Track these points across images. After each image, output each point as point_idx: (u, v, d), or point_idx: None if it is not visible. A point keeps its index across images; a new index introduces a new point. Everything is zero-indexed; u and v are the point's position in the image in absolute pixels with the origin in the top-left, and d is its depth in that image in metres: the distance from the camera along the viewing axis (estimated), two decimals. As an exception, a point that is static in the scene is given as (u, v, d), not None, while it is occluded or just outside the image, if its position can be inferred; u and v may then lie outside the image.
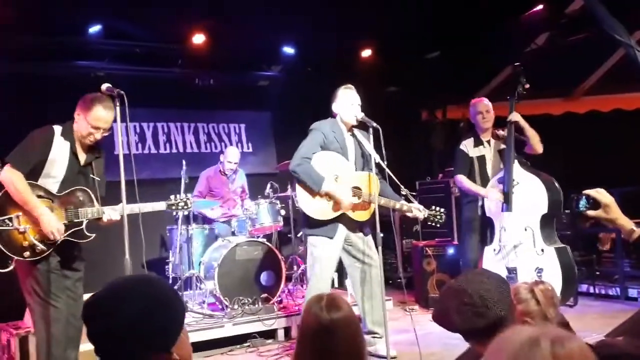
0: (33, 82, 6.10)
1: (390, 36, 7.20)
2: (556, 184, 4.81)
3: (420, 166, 9.13)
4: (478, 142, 5.23)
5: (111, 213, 3.57)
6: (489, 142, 5.23)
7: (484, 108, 5.17)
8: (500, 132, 5.17)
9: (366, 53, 7.76)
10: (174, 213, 3.91)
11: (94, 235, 3.65)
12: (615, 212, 2.26)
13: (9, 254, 3.42)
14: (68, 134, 3.60)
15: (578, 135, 7.51)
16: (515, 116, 4.93)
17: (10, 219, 3.42)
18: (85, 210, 3.57)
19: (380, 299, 4.35)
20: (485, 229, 5.12)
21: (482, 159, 5.22)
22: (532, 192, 4.75)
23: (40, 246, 3.46)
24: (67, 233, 3.53)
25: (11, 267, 3.47)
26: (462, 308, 1.83)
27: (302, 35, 7.17)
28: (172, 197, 3.88)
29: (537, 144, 4.96)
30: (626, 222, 2.26)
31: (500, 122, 5.22)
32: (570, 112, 8.13)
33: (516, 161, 4.87)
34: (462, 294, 1.86)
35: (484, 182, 5.12)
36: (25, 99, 5.92)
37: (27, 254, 3.45)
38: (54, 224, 3.44)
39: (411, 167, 8.79)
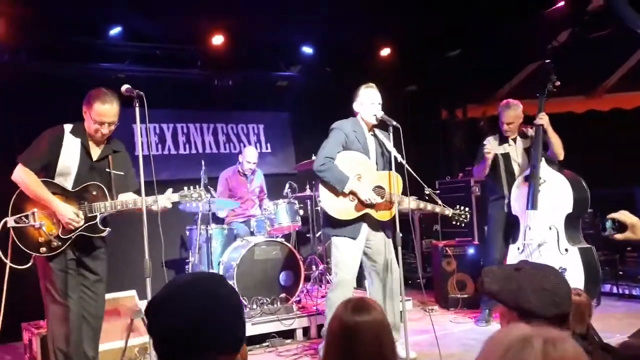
0: (53, 84, 6.17)
1: (409, 34, 7.16)
2: (583, 183, 4.76)
3: (440, 166, 9.07)
4: (503, 140, 5.24)
5: (164, 202, 3.64)
6: (514, 139, 5.21)
7: (506, 119, 5.17)
8: (529, 131, 5.12)
9: (385, 52, 7.72)
10: (194, 206, 3.92)
11: (107, 229, 3.70)
12: None
13: (27, 250, 3.52)
14: (79, 132, 3.68)
15: (601, 133, 7.41)
16: (542, 119, 4.88)
17: (26, 216, 3.52)
18: (98, 204, 3.62)
19: (398, 303, 4.34)
20: (510, 227, 5.09)
21: (507, 156, 5.22)
22: (557, 191, 4.71)
23: (56, 242, 3.54)
24: (82, 227, 3.59)
25: (29, 264, 3.54)
26: (541, 292, 1.81)
27: (320, 34, 7.17)
28: (185, 188, 3.88)
29: (558, 150, 4.93)
30: None
31: (527, 120, 5.18)
32: (593, 110, 8.02)
33: (544, 159, 4.83)
34: (545, 279, 1.83)
35: (510, 178, 5.12)
36: (46, 101, 6.00)
37: (43, 249, 3.54)
38: (70, 212, 3.52)
39: (431, 167, 8.74)
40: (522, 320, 1.85)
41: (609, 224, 2.33)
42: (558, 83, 4.93)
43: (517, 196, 5.01)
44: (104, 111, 3.59)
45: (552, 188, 4.74)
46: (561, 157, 4.95)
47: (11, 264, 3.47)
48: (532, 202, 4.76)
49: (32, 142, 3.65)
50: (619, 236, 2.30)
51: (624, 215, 2.30)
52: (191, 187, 3.91)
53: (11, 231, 3.50)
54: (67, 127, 3.69)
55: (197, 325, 1.41)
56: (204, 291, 1.47)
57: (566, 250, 4.58)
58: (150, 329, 1.50)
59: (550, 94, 4.96)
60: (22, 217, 3.51)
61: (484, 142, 5.30)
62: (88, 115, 3.63)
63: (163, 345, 1.45)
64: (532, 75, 8.11)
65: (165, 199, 3.68)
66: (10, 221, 3.50)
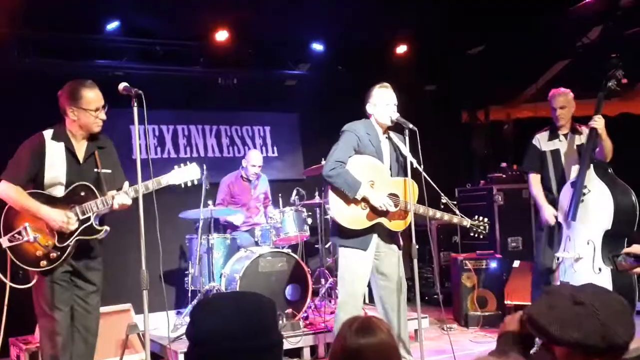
0: (47, 81, 6.20)
1: (428, 31, 7.15)
2: (632, 198, 4.64)
3: (459, 172, 9.03)
4: (553, 136, 5.21)
5: (121, 198, 3.62)
6: (566, 135, 5.18)
7: (557, 104, 5.14)
8: (584, 130, 5.07)
9: (401, 49, 7.72)
10: (189, 184, 3.90)
11: (105, 228, 3.70)
12: None
13: (26, 267, 3.56)
14: (60, 135, 3.69)
15: (636, 138, 7.34)
16: (597, 123, 4.83)
17: (19, 232, 3.54)
18: (89, 204, 3.62)
19: (406, 323, 4.32)
20: (557, 234, 5.07)
21: (556, 153, 5.18)
22: (598, 204, 4.65)
23: (54, 252, 3.56)
24: (78, 232, 3.61)
25: (34, 282, 3.57)
26: (624, 319, 1.77)
27: (331, 30, 7.17)
28: (176, 166, 3.84)
29: (608, 154, 4.90)
30: None
31: (578, 120, 5.16)
32: (626, 113, 7.97)
33: (592, 166, 4.76)
34: (616, 302, 1.80)
35: (559, 178, 5.09)
36: (39, 98, 6.03)
37: (43, 263, 3.57)
38: (60, 215, 3.53)
39: (450, 173, 8.69)
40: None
41: (620, 258, 2.43)
42: (625, 80, 4.85)
43: (562, 202, 4.98)
44: (96, 96, 3.64)
45: (594, 199, 4.68)
46: (608, 159, 4.90)
47: (12, 284, 3.51)
48: (573, 212, 4.72)
49: (13, 156, 3.66)
50: (638, 270, 2.36)
51: (636, 249, 2.41)
52: (181, 165, 3.85)
53: (8, 251, 3.52)
54: (47, 134, 3.70)
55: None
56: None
57: (600, 269, 4.52)
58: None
59: (612, 93, 4.89)
60: (15, 235, 3.54)
61: (532, 141, 5.29)
62: (80, 111, 3.63)
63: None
64: (559, 75, 8.08)
65: (124, 195, 3.63)
66: (4, 241, 3.52)
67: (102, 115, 3.68)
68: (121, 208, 3.64)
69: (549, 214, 4.96)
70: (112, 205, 3.63)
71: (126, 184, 3.71)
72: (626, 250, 2.45)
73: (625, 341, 1.75)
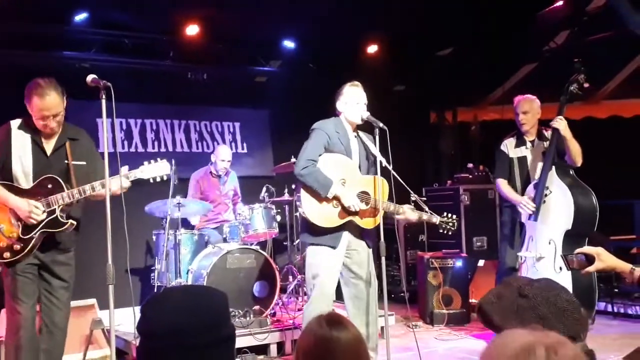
0: (11, 73, 6.08)
1: (398, 31, 7.19)
2: (592, 199, 4.74)
3: (427, 171, 9.13)
4: (520, 142, 5.28)
5: (122, 181, 3.58)
6: (532, 142, 5.25)
7: (520, 108, 5.20)
8: (548, 133, 5.14)
9: (372, 49, 7.75)
10: (157, 180, 3.88)
11: (70, 222, 3.65)
12: (610, 258, 2.46)
13: None
14: (27, 127, 3.65)
15: (598, 142, 7.50)
16: (559, 123, 4.89)
17: None
18: (55, 197, 3.58)
19: (376, 321, 4.34)
20: (520, 234, 5.15)
21: (523, 160, 5.26)
22: (560, 205, 4.74)
23: (18, 244, 3.52)
24: (42, 224, 3.56)
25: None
26: (563, 316, 1.84)
27: (303, 28, 7.17)
28: (145, 162, 3.81)
29: (576, 157, 4.95)
30: (624, 265, 2.43)
31: (544, 123, 5.24)
32: (590, 117, 8.13)
33: (554, 167, 4.85)
34: (559, 299, 1.86)
35: (526, 184, 5.16)
36: (5, 89, 5.91)
37: (7, 254, 3.54)
38: (27, 204, 3.49)
39: (418, 172, 8.81)
40: None
41: (571, 256, 2.56)
42: (587, 85, 4.93)
43: None
44: (43, 105, 3.53)
45: (555, 200, 4.77)
46: (578, 163, 4.96)
47: None
48: (535, 213, 4.81)
49: None
50: (590, 268, 2.48)
51: (587, 249, 2.52)
52: (151, 161, 3.83)
53: None
54: (14, 123, 3.66)
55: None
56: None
57: (560, 269, 4.62)
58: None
59: (574, 96, 4.97)
60: None
61: (500, 147, 5.35)
62: (31, 111, 3.60)
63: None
64: (526, 79, 8.21)
65: (124, 179, 3.61)
66: None
67: (52, 123, 3.58)
68: (113, 194, 3.54)
69: (525, 202, 4.95)
70: (86, 196, 3.59)
71: (125, 167, 3.66)
72: (578, 250, 2.55)
73: (571, 301, 1.84)
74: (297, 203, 4.39)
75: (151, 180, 3.81)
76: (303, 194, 4.27)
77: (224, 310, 1.65)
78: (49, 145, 3.68)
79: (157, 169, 3.81)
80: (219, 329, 1.57)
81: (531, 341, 1.14)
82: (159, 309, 1.57)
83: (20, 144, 3.61)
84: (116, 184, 3.56)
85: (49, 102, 3.54)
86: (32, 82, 3.59)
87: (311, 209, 4.26)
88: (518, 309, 1.85)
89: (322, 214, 4.25)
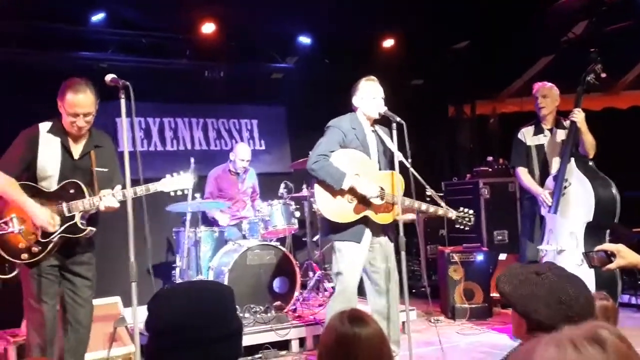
0: (31, 74, 6.15)
1: (414, 25, 7.17)
2: (612, 191, 4.70)
3: (445, 166, 9.09)
4: (538, 130, 5.25)
5: (108, 200, 3.60)
6: (550, 130, 5.22)
7: (540, 92, 5.20)
8: (567, 123, 5.11)
9: (388, 43, 7.73)
10: (179, 194, 3.90)
11: (89, 229, 3.69)
12: (631, 254, 2.46)
13: (8, 257, 3.54)
14: (57, 130, 3.67)
15: (619, 132, 7.42)
16: (576, 116, 4.87)
17: (5, 223, 3.52)
18: (75, 203, 3.61)
19: (397, 314, 4.33)
20: (540, 227, 5.13)
21: (540, 148, 5.24)
22: (580, 196, 4.70)
23: (36, 247, 3.55)
24: (61, 229, 3.59)
25: (15, 273, 3.56)
26: (554, 304, 1.83)
27: (319, 24, 7.17)
28: (168, 175, 3.82)
29: (590, 150, 4.94)
30: None
31: (563, 114, 5.21)
32: (610, 108, 8.04)
33: (573, 159, 4.81)
34: (562, 291, 1.85)
35: (545, 173, 5.14)
36: (23, 91, 5.99)
37: (24, 256, 3.55)
38: (44, 215, 3.52)
39: (436, 167, 8.78)
40: (530, 330, 1.88)
41: (592, 254, 2.58)
42: (604, 75, 4.89)
43: None
44: (77, 101, 3.54)
45: (575, 192, 4.73)
46: (591, 156, 4.95)
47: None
48: (554, 206, 4.78)
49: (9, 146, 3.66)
50: (611, 265, 2.48)
51: (607, 245, 2.55)
52: (174, 174, 3.84)
53: None
54: (44, 126, 3.68)
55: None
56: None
57: (582, 261, 4.57)
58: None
59: (591, 87, 4.93)
60: (2, 224, 3.52)
61: (517, 135, 5.33)
62: (62, 108, 3.62)
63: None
64: (544, 70, 8.14)
65: (111, 198, 3.61)
66: None
67: (80, 122, 3.59)
68: (107, 210, 3.63)
69: (544, 196, 4.97)
70: (98, 206, 3.62)
71: (118, 187, 3.67)
72: (598, 247, 2.56)
73: (542, 323, 1.83)
74: (312, 199, 4.39)
75: (172, 194, 3.83)
76: (317, 189, 4.26)
77: (229, 304, 1.65)
78: (76, 150, 3.71)
79: (178, 183, 3.82)
80: (225, 324, 1.58)
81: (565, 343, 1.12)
82: (164, 305, 1.58)
83: (49, 146, 3.63)
84: (110, 200, 3.60)
85: (83, 100, 3.56)
86: (68, 79, 3.62)
87: (325, 204, 4.25)
88: (524, 279, 1.91)
89: (336, 210, 4.23)
